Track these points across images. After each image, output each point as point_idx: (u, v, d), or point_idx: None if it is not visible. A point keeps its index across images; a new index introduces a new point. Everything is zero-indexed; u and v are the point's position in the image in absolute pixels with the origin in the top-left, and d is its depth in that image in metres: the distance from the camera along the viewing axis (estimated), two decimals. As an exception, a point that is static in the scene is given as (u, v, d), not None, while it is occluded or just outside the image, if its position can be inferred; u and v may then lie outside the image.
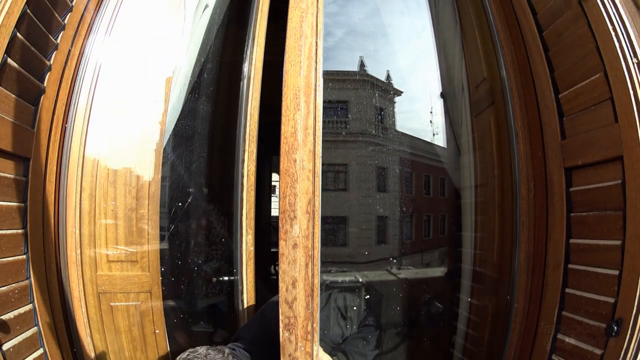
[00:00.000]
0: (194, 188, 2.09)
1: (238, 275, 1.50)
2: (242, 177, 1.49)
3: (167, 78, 1.65)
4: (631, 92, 1.16)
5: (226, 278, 1.60)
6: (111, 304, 1.53)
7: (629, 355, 1.10)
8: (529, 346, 1.57)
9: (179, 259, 1.93)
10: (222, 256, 1.88)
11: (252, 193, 1.49)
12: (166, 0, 1.70)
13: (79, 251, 1.48)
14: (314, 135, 0.98)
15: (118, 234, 1.54)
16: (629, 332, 1.11)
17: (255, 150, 1.51)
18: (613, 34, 1.22)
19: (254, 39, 1.57)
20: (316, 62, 1.00)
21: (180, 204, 1.86)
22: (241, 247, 1.48)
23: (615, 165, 1.24)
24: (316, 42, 1.02)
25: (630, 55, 1.18)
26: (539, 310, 1.55)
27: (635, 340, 1.09)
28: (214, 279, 1.62)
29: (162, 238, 1.63)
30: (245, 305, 1.49)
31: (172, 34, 1.70)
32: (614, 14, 1.23)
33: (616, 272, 1.20)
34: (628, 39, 1.19)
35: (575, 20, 1.37)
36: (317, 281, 0.97)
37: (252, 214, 1.48)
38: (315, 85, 0.99)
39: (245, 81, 1.56)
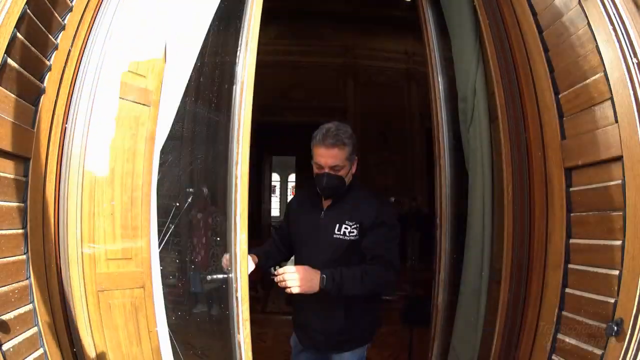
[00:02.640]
0: (189, 188, 2.14)
1: (232, 274, 1.51)
2: (236, 178, 1.49)
3: (163, 77, 1.67)
4: (631, 92, 1.16)
5: (220, 276, 1.61)
6: (109, 301, 1.54)
7: (629, 355, 1.10)
8: (529, 346, 1.57)
9: (173, 257, 2.01)
10: (216, 255, 1.91)
11: (246, 194, 1.50)
12: (166, 0, 1.70)
13: (79, 250, 1.47)
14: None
15: (115, 233, 1.57)
16: (629, 332, 1.11)
17: (248, 152, 1.51)
18: (613, 34, 1.21)
19: (246, 41, 1.58)
20: None
21: (174, 203, 1.90)
22: (235, 246, 1.49)
23: (615, 165, 1.24)
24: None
25: (630, 55, 1.18)
26: (539, 310, 1.55)
27: (635, 340, 1.09)
28: (209, 277, 1.63)
29: (156, 236, 1.67)
30: (240, 304, 1.49)
31: (170, 34, 1.69)
32: (614, 14, 1.22)
33: (616, 272, 1.20)
34: (628, 39, 1.19)
35: (575, 20, 1.37)
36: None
37: (245, 214, 1.50)
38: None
39: (239, 85, 1.56)
